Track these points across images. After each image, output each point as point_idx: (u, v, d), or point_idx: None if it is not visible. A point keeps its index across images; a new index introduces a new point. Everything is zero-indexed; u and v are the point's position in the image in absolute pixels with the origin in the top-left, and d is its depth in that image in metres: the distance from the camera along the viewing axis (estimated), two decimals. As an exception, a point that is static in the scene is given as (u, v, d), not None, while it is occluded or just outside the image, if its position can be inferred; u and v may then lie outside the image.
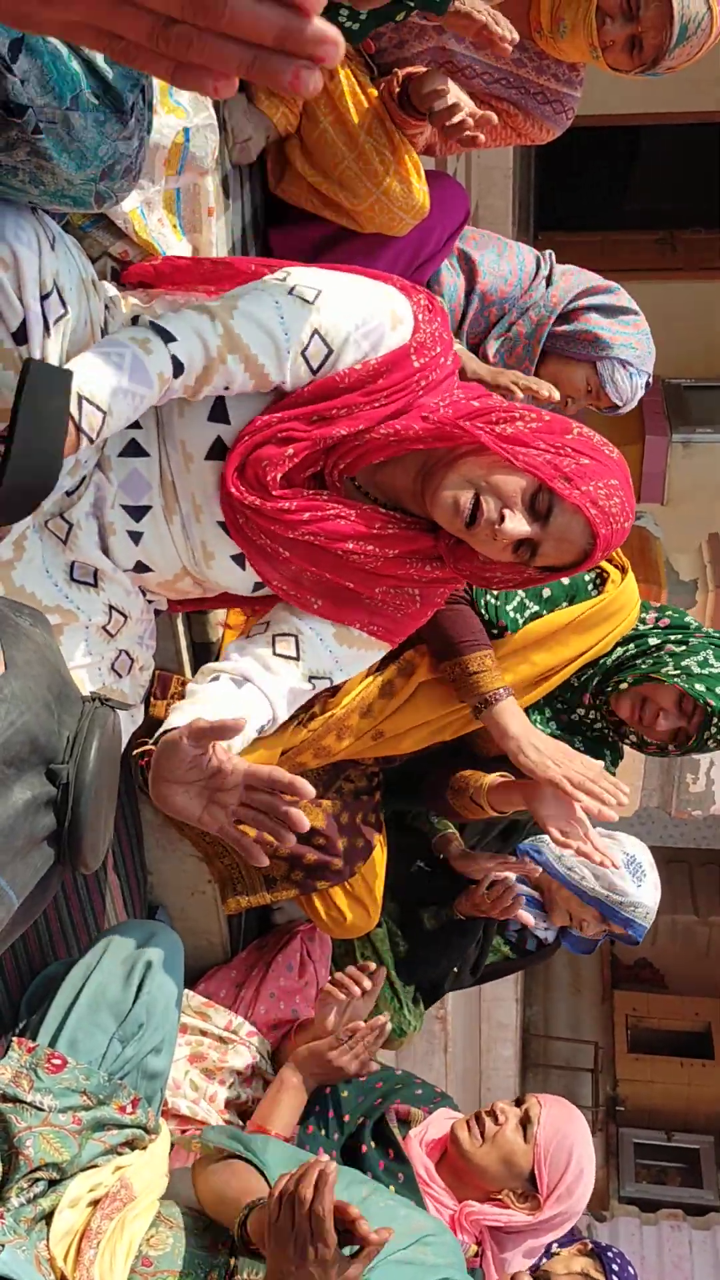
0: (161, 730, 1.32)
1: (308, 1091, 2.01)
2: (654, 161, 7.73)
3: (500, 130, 2.22)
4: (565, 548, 1.40)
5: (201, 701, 1.38)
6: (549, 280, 2.36)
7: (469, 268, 2.34)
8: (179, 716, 1.33)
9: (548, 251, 2.44)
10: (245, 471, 1.38)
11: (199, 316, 1.30)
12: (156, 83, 1.29)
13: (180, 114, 1.51)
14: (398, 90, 1.88)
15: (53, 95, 1.03)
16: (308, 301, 1.33)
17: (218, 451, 1.40)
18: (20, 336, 1.20)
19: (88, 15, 0.56)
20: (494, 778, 2.08)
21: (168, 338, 1.27)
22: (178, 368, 1.28)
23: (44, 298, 1.20)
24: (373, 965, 2.06)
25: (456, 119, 1.76)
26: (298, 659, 1.48)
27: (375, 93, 1.92)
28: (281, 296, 1.33)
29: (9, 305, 1.18)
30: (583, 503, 1.35)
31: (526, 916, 2.34)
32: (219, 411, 1.39)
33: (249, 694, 1.43)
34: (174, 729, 1.28)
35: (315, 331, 1.33)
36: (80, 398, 1.19)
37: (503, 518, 1.36)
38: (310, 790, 1.22)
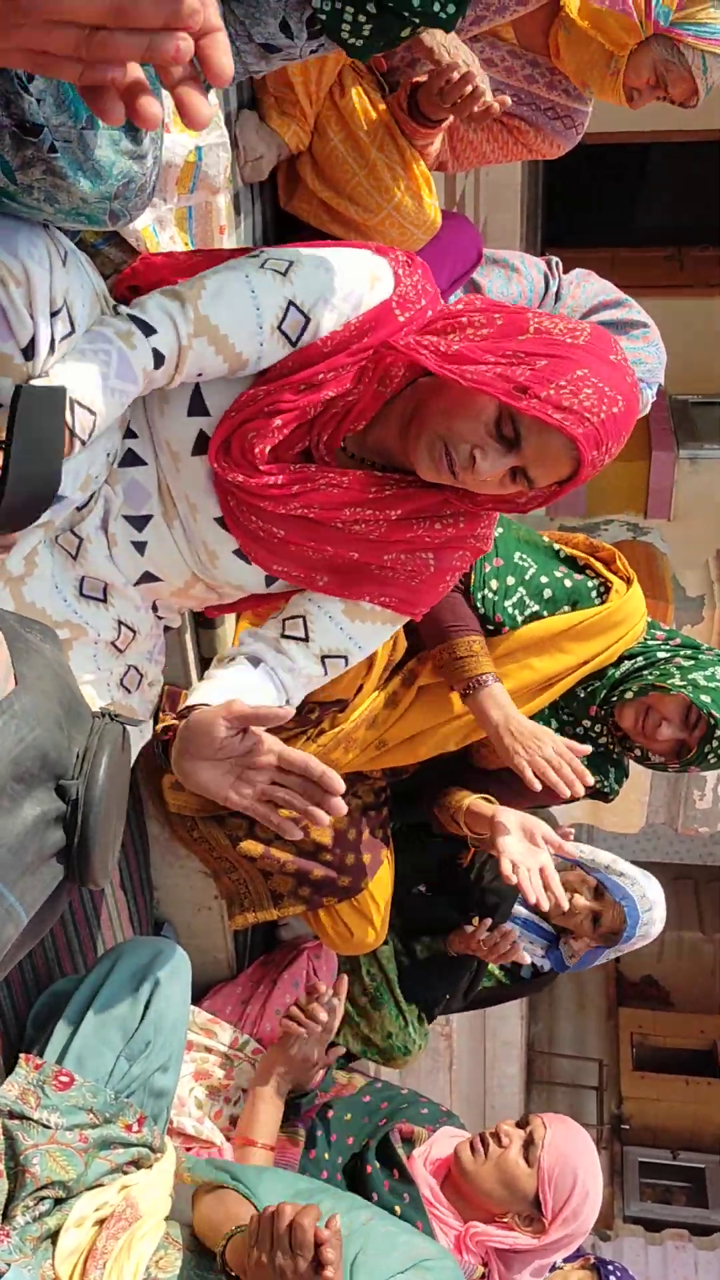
0: (186, 706, 1.34)
1: (283, 1096, 2.03)
2: (662, 178, 7.75)
3: (511, 145, 2.23)
4: (552, 464, 1.31)
5: (221, 681, 1.39)
6: (558, 296, 2.36)
7: (476, 288, 2.34)
8: (200, 695, 1.35)
9: (555, 261, 2.42)
10: (230, 448, 1.36)
11: (170, 302, 1.29)
12: (169, 102, 1.30)
13: (192, 133, 1.52)
14: (407, 100, 1.89)
15: (68, 114, 1.03)
16: (280, 274, 1.31)
17: (203, 446, 1.39)
18: (29, 352, 1.21)
19: (25, 42, 0.66)
20: (473, 799, 2.07)
21: (148, 330, 1.26)
22: (158, 360, 1.27)
23: (54, 314, 1.21)
24: (323, 988, 2.07)
25: (470, 87, 1.75)
26: (307, 640, 1.48)
27: (384, 108, 1.93)
28: (253, 271, 1.31)
29: (20, 320, 1.18)
30: (542, 412, 1.25)
31: (524, 957, 2.32)
32: (197, 405, 1.38)
33: (264, 674, 1.45)
34: (204, 706, 1.30)
35: (290, 302, 1.31)
36: (72, 401, 1.19)
37: (474, 460, 1.30)
38: (341, 785, 1.22)
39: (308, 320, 1.32)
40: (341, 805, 1.23)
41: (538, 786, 1.85)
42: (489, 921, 2.29)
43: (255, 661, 1.46)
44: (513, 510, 1.46)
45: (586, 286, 2.39)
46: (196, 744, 1.27)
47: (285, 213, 2.12)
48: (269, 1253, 1.40)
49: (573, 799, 2.14)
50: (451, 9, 1.38)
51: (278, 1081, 2.03)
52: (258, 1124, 2.00)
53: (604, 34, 1.98)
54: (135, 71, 0.70)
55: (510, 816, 1.92)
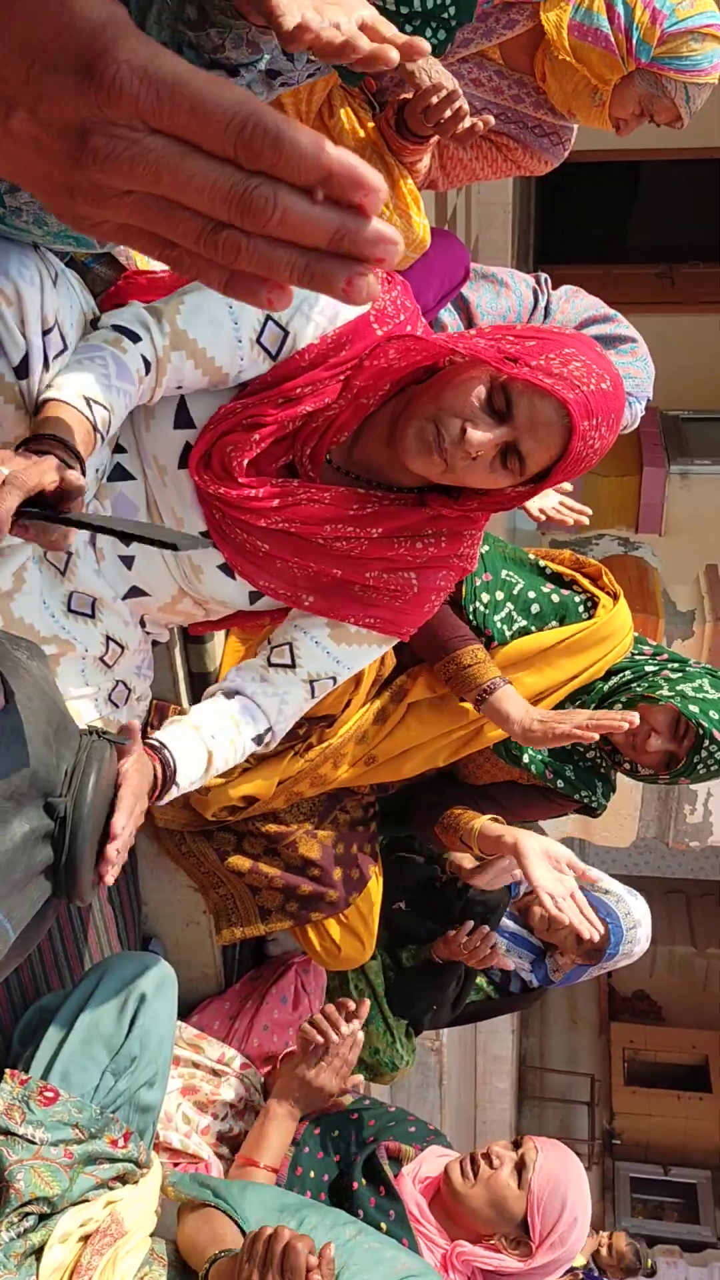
0: (158, 743, 1.40)
1: (294, 1120, 2.00)
2: (653, 196, 7.81)
3: (500, 163, 2.24)
4: (544, 434, 1.30)
5: (192, 716, 1.43)
6: (547, 311, 2.37)
7: (466, 311, 2.35)
8: (165, 734, 1.41)
9: (544, 276, 2.44)
10: (211, 460, 1.37)
11: (147, 316, 1.30)
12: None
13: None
14: (394, 117, 1.91)
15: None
16: None
17: (188, 458, 1.40)
18: (22, 370, 1.22)
19: (136, 219, 0.53)
20: (484, 822, 2.06)
21: (134, 337, 1.28)
22: (146, 365, 1.29)
23: (45, 333, 1.22)
24: (351, 1004, 2.02)
25: (453, 108, 1.76)
26: (293, 666, 1.49)
27: (372, 126, 1.94)
28: None
29: (12, 340, 1.19)
30: (535, 376, 1.27)
31: (506, 962, 2.32)
32: (183, 417, 1.39)
33: (235, 707, 1.47)
34: (167, 748, 1.39)
35: (268, 316, 1.32)
36: (86, 399, 1.20)
37: (464, 432, 1.30)
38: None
39: (286, 334, 1.34)
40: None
41: (595, 737, 1.82)
42: (469, 924, 2.29)
43: (231, 695, 1.48)
44: (502, 507, 1.45)
45: (576, 302, 2.41)
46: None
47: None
48: (260, 1271, 1.40)
49: (613, 766, 2.14)
50: (442, 35, 1.41)
51: (291, 1108, 1.99)
52: (265, 1145, 1.95)
53: (587, 67, 2.00)
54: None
55: (532, 843, 1.90)
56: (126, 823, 1.23)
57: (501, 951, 2.29)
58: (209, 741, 1.43)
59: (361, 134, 1.93)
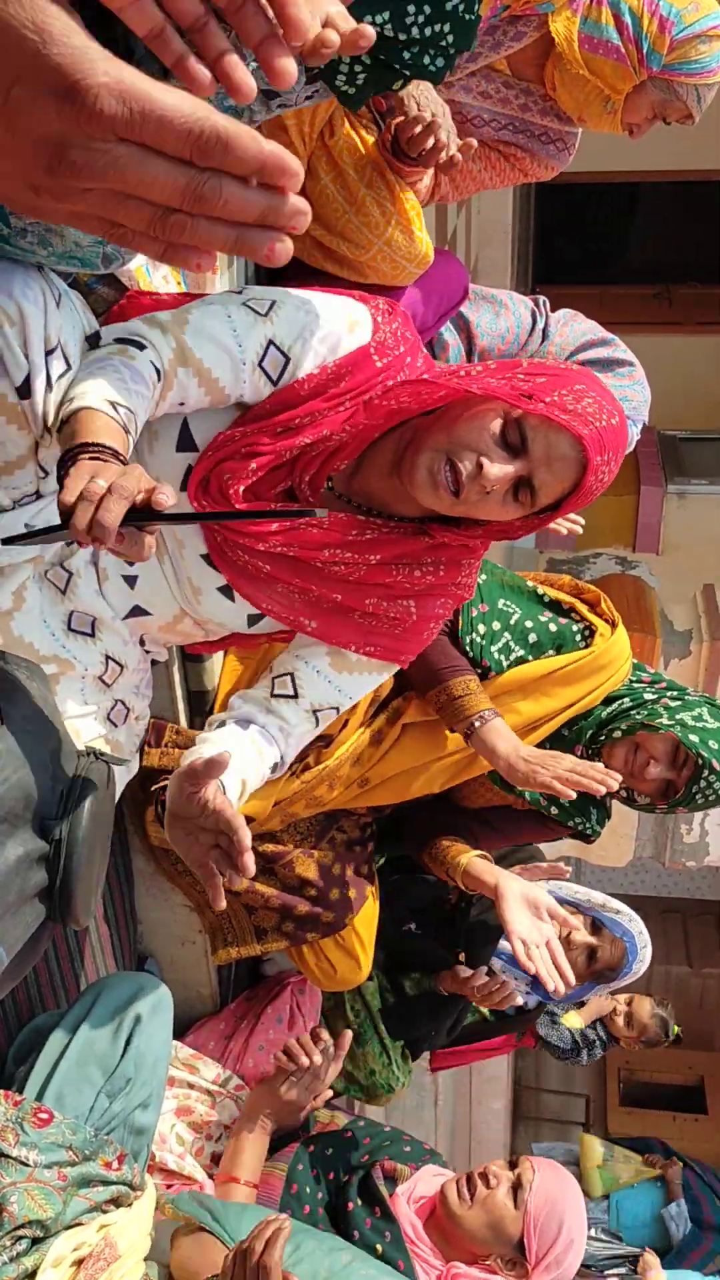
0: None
1: (266, 1134, 2.01)
2: (651, 217, 7.85)
3: (509, 172, 2.27)
4: (559, 468, 1.32)
5: (211, 744, 1.40)
6: (545, 334, 2.38)
7: (466, 330, 2.36)
8: (187, 759, 1.36)
9: (542, 299, 2.45)
10: (209, 486, 1.37)
11: (150, 329, 1.30)
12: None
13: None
14: (391, 140, 1.92)
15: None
16: (260, 313, 1.32)
17: (189, 482, 1.40)
18: (24, 391, 1.22)
19: (95, 208, 0.61)
20: (469, 859, 2.05)
21: (140, 346, 1.27)
22: (157, 371, 1.28)
23: (49, 353, 1.22)
24: (326, 1035, 2.05)
25: (431, 141, 1.78)
26: (296, 696, 1.49)
27: (373, 143, 1.96)
28: (234, 308, 1.32)
29: (14, 360, 1.19)
30: (551, 412, 1.28)
31: (518, 999, 2.31)
32: (185, 440, 1.39)
33: (254, 735, 1.46)
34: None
35: (270, 341, 1.32)
36: (113, 404, 1.17)
37: (481, 467, 1.30)
38: (246, 844, 1.23)
39: (287, 360, 1.34)
40: (249, 866, 1.23)
41: (573, 794, 1.84)
42: (484, 970, 2.28)
43: (246, 724, 1.46)
44: (506, 536, 1.45)
45: (574, 326, 2.42)
46: (175, 802, 1.29)
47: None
48: None
49: (610, 794, 2.15)
50: (440, 62, 1.41)
51: (263, 1121, 2.01)
52: (240, 1161, 1.98)
53: (600, 78, 2.02)
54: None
55: (513, 888, 1.90)
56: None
57: (511, 988, 2.28)
58: (243, 771, 1.41)
59: (362, 152, 1.94)
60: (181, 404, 1.35)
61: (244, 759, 1.42)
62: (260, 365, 1.33)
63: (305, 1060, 2.00)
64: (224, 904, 1.26)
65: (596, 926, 2.37)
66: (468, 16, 1.39)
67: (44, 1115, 1.57)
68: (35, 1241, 1.49)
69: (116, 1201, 1.63)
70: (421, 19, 1.37)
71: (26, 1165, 1.51)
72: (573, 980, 1.81)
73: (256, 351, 1.32)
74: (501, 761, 1.90)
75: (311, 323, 1.33)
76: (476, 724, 1.92)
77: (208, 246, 0.61)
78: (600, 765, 1.87)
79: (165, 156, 0.58)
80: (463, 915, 2.44)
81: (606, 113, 2.07)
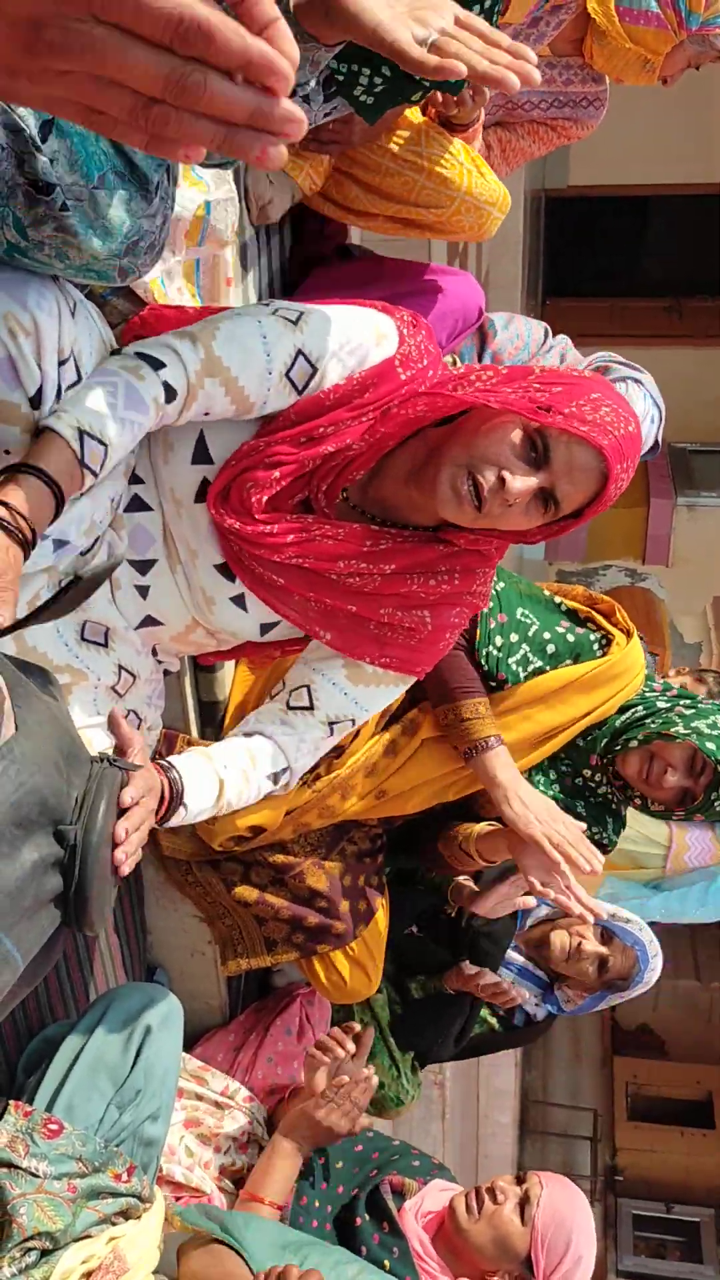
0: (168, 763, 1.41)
1: (302, 1156, 1.98)
2: (662, 231, 7.87)
3: (553, 139, 2.40)
4: (580, 478, 1.33)
5: (208, 749, 1.44)
6: (562, 358, 2.40)
7: (480, 331, 2.38)
8: (176, 758, 1.43)
9: (561, 336, 2.49)
10: (229, 496, 1.38)
11: (179, 340, 1.30)
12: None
13: (202, 188, 1.55)
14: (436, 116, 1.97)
15: (80, 174, 1.05)
16: (291, 322, 1.33)
17: (205, 493, 1.40)
18: (37, 401, 1.22)
19: (72, 93, 0.59)
20: (483, 826, 2.07)
21: (156, 364, 1.27)
22: (170, 393, 1.28)
23: (61, 364, 1.23)
24: (357, 1026, 2.03)
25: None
26: (312, 708, 1.50)
27: (419, 116, 1.97)
28: (265, 317, 1.33)
29: (28, 371, 1.20)
30: (570, 424, 1.29)
31: (523, 994, 2.31)
32: (201, 453, 1.40)
33: (255, 740, 1.48)
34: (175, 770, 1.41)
35: (299, 351, 1.33)
36: (81, 433, 1.20)
37: (503, 480, 1.31)
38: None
39: (315, 370, 1.34)
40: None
41: (558, 857, 1.82)
42: (486, 972, 2.28)
43: (252, 735, 1.50)
44: (523, 540, 1.46)
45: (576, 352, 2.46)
46: None
47: (292, 267, 2.16)
48: None
49: (626, 802, 2.16)
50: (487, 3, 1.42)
51: (299, 1143, 1.97)
52: (270, 1181, 1.93)
53: (641, 46, 2.14)
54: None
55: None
56: (134, 825, 1.24)
57: (512, 988, 2.28)
58: (221, 771, 1.43)
59: (415, 122, 1.97)
60: (206, 414, 1.35)
61: (229, 757, 1.45)
62: (288, 375, 1.33)
63: (340, 1051, 1.96)
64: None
65: (607, 936, 2.37)
66: (489, 22, 1.39)
67: (54, 1126, 1.56)
68: (44, 1253, 1.48)
69: (126, 1214, 1.62)
70: (438, 29, 1.38)
71: (36, 1176, 1.50)
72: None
73: (285, 361, 1.33)
74: (499, 791, 1.91)
75: (340, 334, 1.34)
76: (480, 748, 1.94)
77: (193, 142, 0.59)
78: (589, 846, 1.85)
79: (146, 42, 0.56)
80: (466, 925, 2.43)
81: (645, 72, 2.18)
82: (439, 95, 1.83)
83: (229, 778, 1.44)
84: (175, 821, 1.39)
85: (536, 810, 1.88)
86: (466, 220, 2.03)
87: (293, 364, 1.33)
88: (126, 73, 0.57)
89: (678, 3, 2.03)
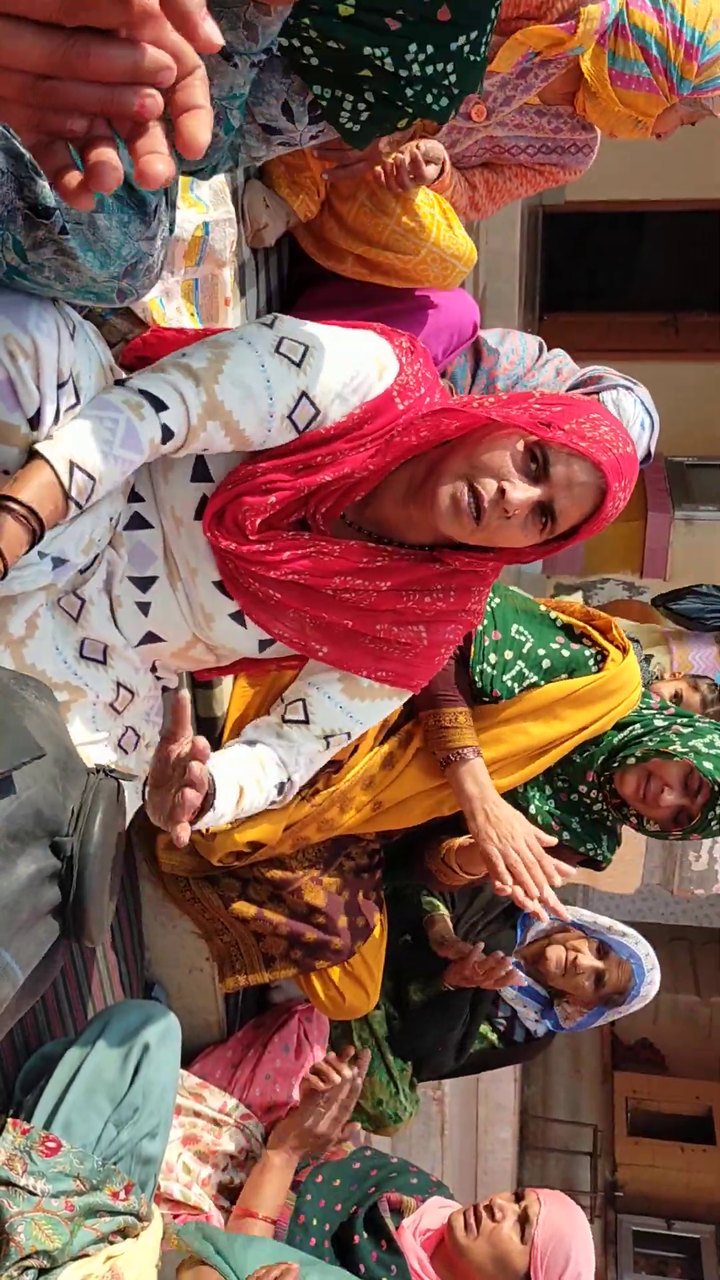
0: None
1: (291, 1169, 1.98)
2: (658, 246, 7.90)
3: (540, 182, 2.38)
4: (579, 493, 1.34)
5: (216, 756, 1.42)
6: (556, 371, 2.41)
7: (474, 347, 2.39)
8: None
9: (556, 350, 2.50)
10: (224, 518, 1.39)
11: (184, 380, 1.31)
12: (178, 180, 1.34)
13: (200, 208, 1.56)
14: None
15: (80, 198, 1.06)
16: (294, 363, 1.33)
17: (204, 511, 1.42)
18: (35, 422, 1.23)
19: None
20: (462, 839, 2.06)
21: (159, 406, 1.28)
22: (167, 434, 1.30)
23: (59, 386, 1.23)
24: (353, 1050, 2.03)
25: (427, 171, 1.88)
26: (308, 721, 1.51)
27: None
28: (268, 358, 1.33)
29: (27, 393, 1.21)
30: (571, 440, 1.32)
31: (520, 977, 2.30)
32: (200, 471, 1.41)
33: (259, 751, 1.48)
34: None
35: (303, 394, 1.34)
36: (72, 464, 1.21)
37: (503, 491, 1.32)
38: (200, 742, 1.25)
39: (318, 412, 1.36)
40: (201, 746, 1.27)
41: (507, 879, 1.78)
42: (481, 946, 2.26)
43: (253, 744, 1.50)
44: (519, 560, 1.47)
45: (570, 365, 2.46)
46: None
47: (290, 284, 2.17)
48: None
49: (621, 820, 2.15)
50: (444, 102, 1.43)
51: (289, 1154, 1.97)
52: (261, 1196, 1.93)
53: (633, 109, 2.11)
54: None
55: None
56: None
57: (511, 965, 2.26)
58: (240, 777, 1.43)
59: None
60: (205, 449, 1.37)
61: (243, 765, 1.44)
62: (289, 417, 1.35)
63: (337, 1077, 1.97)
64: (186, 839, 1.27)
65: (603, 950, 2.36)
66: (473, 58, 1.40)
67: (52, 1144, 1.56)
68: (42, 1272, 1.48)
69: (123, 1232, 1.62)
70: (423, 57, 1.38)
71: (34, 1195, 1.50)
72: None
73: (287, 404, 1.34)
74: (466, 804, 1.91)
75: (343, 373, 1.35)
76: (453, 758, 1.94)
77: (77, 109, 0.60)
78: (550, 860, 1.81)
79: (34, 23, 0.57)
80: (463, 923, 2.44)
81: (637, 130, 2.17)
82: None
83: (246, 783, 1.45)
84: (205, 822, 1.38)
85: (499, 826, 1.86)
86: (431, 271, 2.05)
87: (295, 406, 1.34)
88: (20, 59, 0.58)
89: (669, 68, 2.01)
